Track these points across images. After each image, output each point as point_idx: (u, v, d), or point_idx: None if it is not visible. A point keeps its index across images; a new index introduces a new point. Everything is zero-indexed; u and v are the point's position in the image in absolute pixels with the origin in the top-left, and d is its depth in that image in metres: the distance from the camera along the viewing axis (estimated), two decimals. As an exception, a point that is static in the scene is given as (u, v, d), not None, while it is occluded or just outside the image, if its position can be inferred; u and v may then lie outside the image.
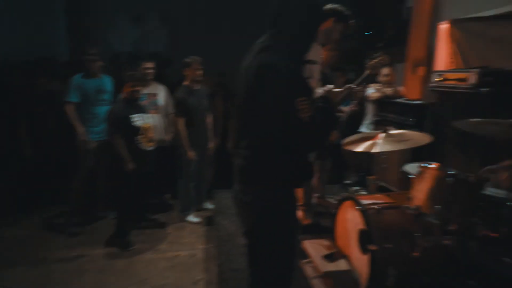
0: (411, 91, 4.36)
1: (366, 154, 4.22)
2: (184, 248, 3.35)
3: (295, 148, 1.51)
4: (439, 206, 1.86)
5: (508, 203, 1.77)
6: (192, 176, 3.78)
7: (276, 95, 1.42)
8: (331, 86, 2.74)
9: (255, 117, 1.52)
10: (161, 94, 4.01)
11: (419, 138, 2.32)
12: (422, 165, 2.07)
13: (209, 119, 3.95)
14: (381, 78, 4.06)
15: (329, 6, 2.60)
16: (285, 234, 1.59)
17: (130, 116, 3.23)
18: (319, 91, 2.63)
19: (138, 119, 3.29)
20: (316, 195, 3.54)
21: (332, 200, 3.57)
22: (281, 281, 1.62)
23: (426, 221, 2.00)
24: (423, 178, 2.01)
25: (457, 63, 3.62)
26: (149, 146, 3.39)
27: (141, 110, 3.42)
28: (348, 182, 4.41)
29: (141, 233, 3.60)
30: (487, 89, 2.79)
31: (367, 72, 2.70)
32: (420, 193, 1.98)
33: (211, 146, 3.95)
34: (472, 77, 2.92)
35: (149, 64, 3.92)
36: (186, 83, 3.70)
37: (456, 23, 3.61)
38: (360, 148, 2.29)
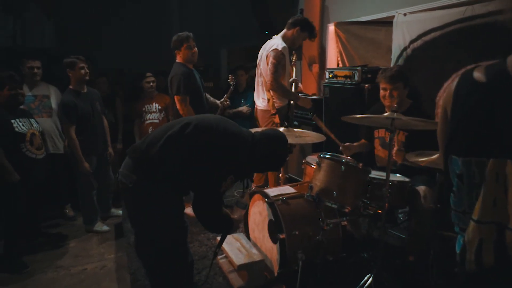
0: (308, 87, 4.75)
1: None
2: (91, 260, 3.12)
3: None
4: (335, 192, 2.10)
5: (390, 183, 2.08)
6: (92, 184, 3.50)
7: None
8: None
9: None
10: (53, 96, 3.64)
11: (314, 136, 2.58)
12: (320, 155, 2.30)
13: (105, 124, 3.69)
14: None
15: (297, 16, 3.41)
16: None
17: (10, 122, 2.87)
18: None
19: (20, 125, 2.93)
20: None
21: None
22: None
23: (326, 206, 2.24)
24: (321, 167, 2.23)
25: (343, 62, 4.05)
26: (39, 154, 3.05)
27: (25, 114, 3.06)
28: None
29: (39, 251, 3.24)
30: (368, 85, 3.21)
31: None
32: (318, 182, 2.20)
33: (111, 151, 3.71)
34: (356, 75, 3.33)
35: (35, 63, 3.52)
36: (71, 86, 3.36)
37: (340, 26, 4.03)
38: None
